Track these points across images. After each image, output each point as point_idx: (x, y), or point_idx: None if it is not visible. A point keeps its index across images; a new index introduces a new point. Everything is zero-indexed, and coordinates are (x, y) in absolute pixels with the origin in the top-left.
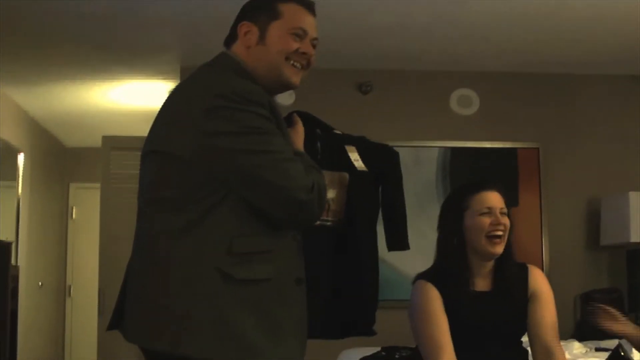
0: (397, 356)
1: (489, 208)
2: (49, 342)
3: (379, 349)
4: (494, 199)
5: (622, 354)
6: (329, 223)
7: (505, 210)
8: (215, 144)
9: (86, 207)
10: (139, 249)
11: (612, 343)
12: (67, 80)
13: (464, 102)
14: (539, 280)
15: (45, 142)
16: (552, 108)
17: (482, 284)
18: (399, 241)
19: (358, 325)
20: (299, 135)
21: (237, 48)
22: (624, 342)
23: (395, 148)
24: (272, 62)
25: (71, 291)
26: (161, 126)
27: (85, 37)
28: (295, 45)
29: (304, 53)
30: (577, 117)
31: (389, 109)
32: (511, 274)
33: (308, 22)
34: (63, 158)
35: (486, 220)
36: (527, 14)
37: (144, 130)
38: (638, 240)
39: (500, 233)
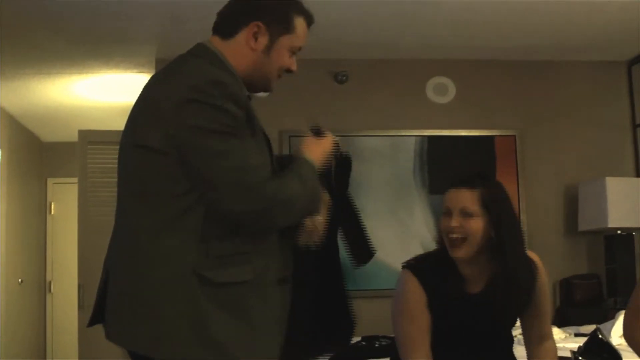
0: (376, 345)
1: (447, 208)
2: (30, 338)
3: (359, 338)
4: (456, 198)
5: (600, 337)
6: (314, 247)
7: (469, 210)
8: (183, 138)
9: (65, 202)
10: (118, 245)
11: (591, 328)
12: (43, 74)
13: (440, 90)
14: (541, 275)
15: (22, 137)
16: (529, 95)
17: (474, 285)
18: (365, 251)
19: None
20: (319, 146)
21: (235, 44)
22: (602, 326)
23: (371, 137)
24: (268, 73)
25: (52, 287)
26: (136, 119)
27: (61, 31)
28: (290, 62)
29: (291, 71)
30: (553, 104)
31: (365, 98)
32: (509, 277)
33: (306, 40)
34: (40, 153)
35: (445, 222)
36: (503, 1)
37: (120, 124)
38: (615, 226)
39: (454, 236)
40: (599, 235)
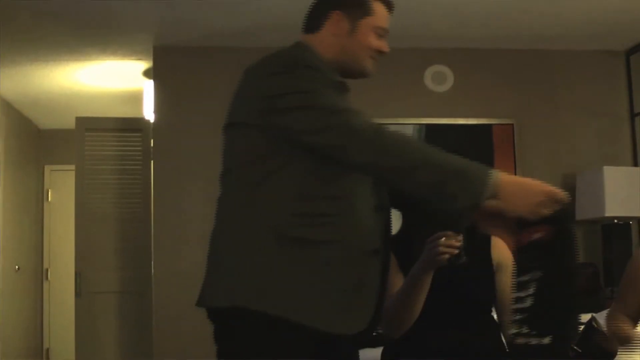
0: (374, 334)
1: None
2: (27, 325)
3: None
4: None
5: (596, 326)
6: None
7: None
8: (266, 105)
9: (62, 189)
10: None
11: (586, 317)
12: (40, 61)
13: (438, 78)
14: (502, 251)
15: (18, 124)
16: (527, 84)
17: None
18: None
19: None
20: (524, 193)
21: (321, 35)
22: (597, 315)
23: None
24: (358, 55)
25: (48, 274)
26: (234, 100)
27: (58, 18)
28: (378, 44)
29: (382, 52)
30: (551, 93)
31: (362, 86)
32: (471, 244)
33: (388, 22)
34: (37, 140)
35: None
36: None
37: (117, 111)
38: (613, 215)
39: None
40: (597, 224)
